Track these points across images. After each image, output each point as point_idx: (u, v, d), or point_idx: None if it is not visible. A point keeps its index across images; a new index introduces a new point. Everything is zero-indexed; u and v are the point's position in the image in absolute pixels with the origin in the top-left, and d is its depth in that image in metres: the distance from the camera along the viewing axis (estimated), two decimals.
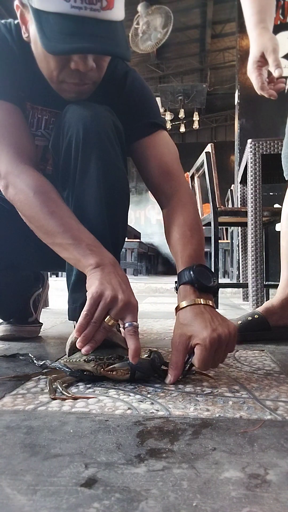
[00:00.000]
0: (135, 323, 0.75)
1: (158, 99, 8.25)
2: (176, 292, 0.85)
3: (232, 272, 4.42)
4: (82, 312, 0.74)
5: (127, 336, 0.74)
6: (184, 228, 0.91)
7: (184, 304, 0.79)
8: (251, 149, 2.22)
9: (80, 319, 0.74)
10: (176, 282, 0.86)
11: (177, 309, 0.81)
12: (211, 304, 0.79)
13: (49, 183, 0.87)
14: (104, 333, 0.75)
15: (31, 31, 0.86)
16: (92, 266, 0.78)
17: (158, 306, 2.45)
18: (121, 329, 0.78)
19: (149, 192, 1.05)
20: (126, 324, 0.75)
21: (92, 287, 0.75)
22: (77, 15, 0.77)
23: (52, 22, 0.78)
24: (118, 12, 0.81)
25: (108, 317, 0.74)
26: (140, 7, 5.74)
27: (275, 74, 1.07)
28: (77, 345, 0.74)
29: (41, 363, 0.81)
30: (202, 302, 0.78)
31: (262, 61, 1.13)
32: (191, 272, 0.81)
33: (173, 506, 0.36)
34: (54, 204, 0.83)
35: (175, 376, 0.75)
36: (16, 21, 0.95)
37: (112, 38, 0.80)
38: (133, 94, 1.01)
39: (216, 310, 0.80)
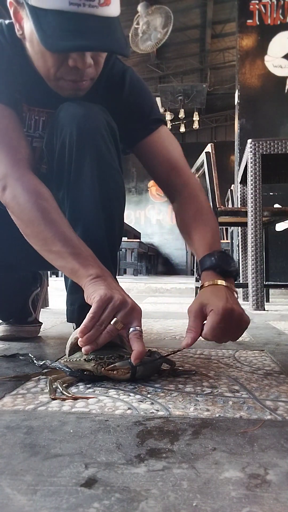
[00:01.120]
0: (139, 328, 0.75)
1: (158, 99, 8.27)
2: (199, 279, 0.88)
3: None
4: (88, 314, 0.73)
5: (132, 339, 0.73)
6: (199, 217, 0.94)
7: (207, 283, 0.82)
8: (251, 149, 2.22)
9: (85, 321, 0.73)
10: (197, 269, 0.88)
11: (200, 288, 0.83)
12: (232, 288, 0.82)
13: (48, 190, 0.86)
14: (107, 337, 0.73)
15: (26, 29, 0.85)
16: (92, 276, 0.77)
17: (158, 306, 2.45)
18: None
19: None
20: (132, 329, 0.74)
21: (99, 291, 0.74)
22: (75, 12, 0.77)
23: (50, 20, 0.77)
24: (115, 8, 0.81)
25: (115, 320, 0.73)
26: (140, 7, 5.73)
27: None
28: (79, 344, 0.74)
29: (41, 363, 0.81)
30: (225, 284, 0.81)
31: None
32: (213, 258, 0.84)
33: (173, 506, 0.36)
34: (54, 212, 0.83)
35: (193, 339, 0.75)
36: (7, 21, 0.94)
37: (111, 35, 0.80)
38: (134, 94, 1.01)
39: (236, 296, 0.83)
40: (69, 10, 0.76)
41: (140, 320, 0.76)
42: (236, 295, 0.82)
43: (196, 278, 0.88)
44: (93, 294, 0.75)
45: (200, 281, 0.86)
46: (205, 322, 0.76)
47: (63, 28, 0.77)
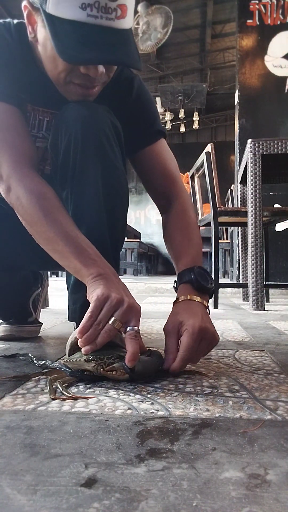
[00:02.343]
0: (136, 327, 0.75)
1: (158, 99, 8.27)
2: (176, 291, 0.90)
3: (232, 272, 4.43)
4: (86, 313, 0.73)
5: (127, 340, 0.73)
6: (186, 231, 0.97)
7: (182, 298, 0.85)
8: (251, 149, 2.22)
9: (83, 320, 0.73)
10: (175, 281, 0.91)
11: (175, 302, 0.86)
12: (205, 305, 0.85)
13: (52, 190, 0.87)
14: (106, 337, 0.73)
15: (40, 33, 0.85)
16: (93, 275, 0.77)
17: (158, 306, 2.45)
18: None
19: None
20: (128, 328, 0.74)
21: (97, 290, 0.74)
22: (93, 23, 0.77)
23: (67, 30, 0.77)
24: (129, 20, 0.81)
25: (114, 319, 0.73)
26: (140, 7, 5.73)
27: None
28: (79, 344, 0.74)
29: (41, 363, 0.81)
30: (199, 301, 0.84)
31: None
32: (192, 273, 0.87)
33: (173, 506, 0.36)
34: (57, 211, 0.83)
35: (172, 360, 0.77)
36: (15, 21, 0.94)
37: (126, 48, 0.81)
38: (140, 102, 1.03)
39: (208, 313, 0.86)
40: (86, 22, 0.76)
41: (138, 320, 0.76)
42: (208, 311, 0.86)
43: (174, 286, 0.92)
44: (92, 294, 0.75)
45: (176, 294, 0.88)
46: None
47: (80, 39, 0.77)
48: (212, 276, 2.41)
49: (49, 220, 0.82)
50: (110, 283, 0.76)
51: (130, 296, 0.77)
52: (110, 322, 0.73)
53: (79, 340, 0.73)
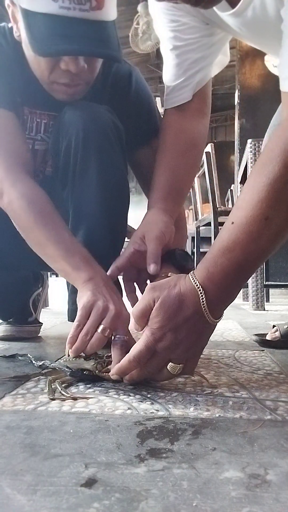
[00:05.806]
0: (123, 337, 0.73)
1: (158, 99, 8.26)
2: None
3: None
4: (73, 323, 0.73)
5: (113, 349, 0.72)
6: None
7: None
8: (251, 149, 2.22)
9: (71, 330, 0.73)
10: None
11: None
12: None
13: (45, 194, 0.86)
14: (95, 347, 0.72)
15: (22, 31, 0.84)
16: (82, 279, 0.77)
17: None
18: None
19: None
20: (116, 337, 0.73)
21: (84, 297, 0.74)
22: (65, 15, 0.76)
23: (40, 23, 0.77)
24: (109, 12, 0.80)
25: (103, 327, 0.72)
26: (140, 7, 5.73)
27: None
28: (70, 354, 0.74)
29: (40, 363, 0.81)
30: None
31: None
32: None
33: (173, 506, 0.36)
34: (48, 216, 0.83)
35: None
36: (10, 25, 0.94)
37: (103, 39, 0.79)
38: (138, 101, 1.03)
39: None
40: (59, 14, 0.76)
41: (125, 327, 0.75)
42: None
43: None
44: (79, 301, 0.75)
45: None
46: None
47: (52, 32, 0.77)
48: None
49: (40, 224, 0.81)
50: (98, 288, 0.75)
51: (118, 303, 0.75)
52: (99, 330, 0.72)
53: (70, 350, 0.73)
